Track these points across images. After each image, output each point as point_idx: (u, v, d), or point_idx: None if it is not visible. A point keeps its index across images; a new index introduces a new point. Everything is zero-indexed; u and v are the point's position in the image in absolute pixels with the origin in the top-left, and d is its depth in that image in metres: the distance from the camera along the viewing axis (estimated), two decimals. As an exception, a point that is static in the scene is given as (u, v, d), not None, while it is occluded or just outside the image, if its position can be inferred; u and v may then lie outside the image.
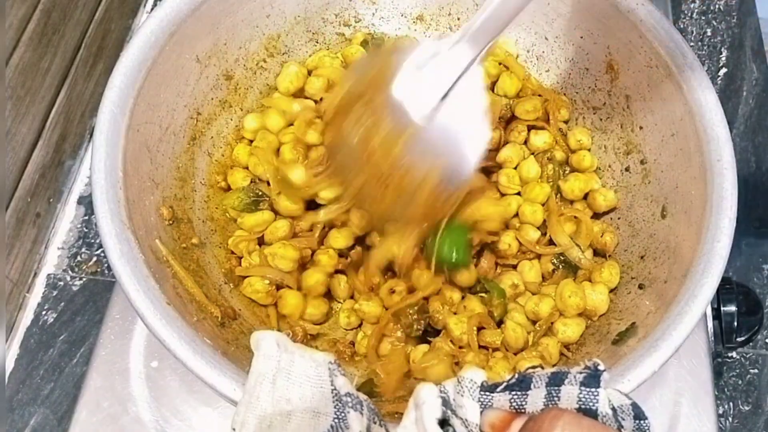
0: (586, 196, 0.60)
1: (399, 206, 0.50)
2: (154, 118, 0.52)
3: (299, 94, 0.62)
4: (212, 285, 0.53)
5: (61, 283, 0.67)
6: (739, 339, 0.60)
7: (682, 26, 0.85)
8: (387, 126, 0.47)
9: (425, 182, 0.48)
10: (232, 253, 0.57)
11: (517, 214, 0.59)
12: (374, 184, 0.49)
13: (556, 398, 0.34)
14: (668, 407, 0.57)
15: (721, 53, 0.84)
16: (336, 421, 0.36)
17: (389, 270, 0.56)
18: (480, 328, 0.53)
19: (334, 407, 0.37)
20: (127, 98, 0.49)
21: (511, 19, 0.44)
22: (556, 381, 0.34)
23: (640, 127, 0.58)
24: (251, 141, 0.61)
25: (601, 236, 0.57)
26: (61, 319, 0.65)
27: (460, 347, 0.53)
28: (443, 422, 0.34)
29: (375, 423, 0.37)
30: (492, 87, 0.63)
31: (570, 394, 0.33)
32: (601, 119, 0.62)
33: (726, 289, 0.61)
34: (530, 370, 0.36)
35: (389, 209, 0.50)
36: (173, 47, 0.52)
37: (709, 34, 0.85)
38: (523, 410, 0.34)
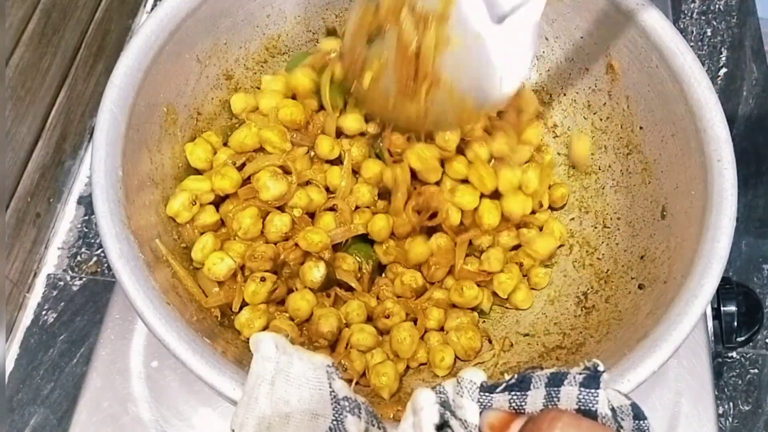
0: None
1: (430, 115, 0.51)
2: (154, 118, 0.52)
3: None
4: (212, 285, 0.53)
5: (61, 283, 0.67)
6: (739, 339, 0.60)
7: (682, 26, 0.85)
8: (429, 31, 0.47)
9: (453, 93, 0.49)
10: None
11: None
12: (404, 93, 0.50)
13: (555, 399, 0.34)
14: (668, 407, 0.57)
15: (721, 53, 0.84)
16: (334, 423, 0.36)
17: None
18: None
19: (333, 409, 0.37)
20: (127, 98, 0.48)
21: None
22: (555, 381, 0.34)
23: (640, 127, 0.58)
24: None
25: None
26: (61, 319, 0.65)
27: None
28: (441, 426, 0.34)
29: (373, 425, 0.37)
30: None
31: (569, 394, 0.33)
32: (601, 119, 0.62)
33: (726, 289, 0.61)
34: (530, 371, 0.36)
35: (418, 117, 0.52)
36: (173, 47, 0.52)
37: (709, 34, 0.85)
38: (522, 411, 0.34)
